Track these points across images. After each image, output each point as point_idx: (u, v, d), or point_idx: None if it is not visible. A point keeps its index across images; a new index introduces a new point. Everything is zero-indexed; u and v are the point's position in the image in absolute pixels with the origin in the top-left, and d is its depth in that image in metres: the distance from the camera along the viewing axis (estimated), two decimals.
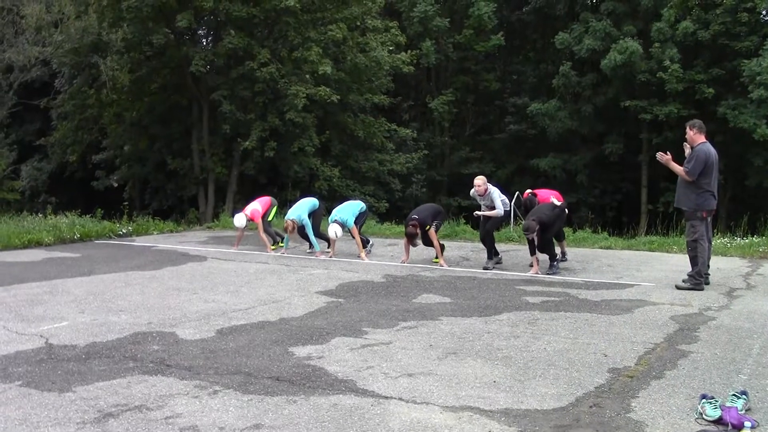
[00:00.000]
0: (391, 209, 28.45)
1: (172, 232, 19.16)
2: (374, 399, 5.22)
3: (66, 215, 19.26)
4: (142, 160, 30.26)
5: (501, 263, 12.36)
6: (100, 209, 20.85)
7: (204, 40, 29.92)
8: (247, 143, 25.27)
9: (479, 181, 12.30)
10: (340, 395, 5.31)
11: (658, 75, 29.18)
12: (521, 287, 10.05)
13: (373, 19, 29.46)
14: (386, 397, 5.25)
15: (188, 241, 16.63)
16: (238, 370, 6.00)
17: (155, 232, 18.67)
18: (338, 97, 25.96)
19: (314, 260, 12.92)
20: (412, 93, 37.99)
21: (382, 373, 5.84)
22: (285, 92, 25.07)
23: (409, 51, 30.49)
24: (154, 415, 4.98)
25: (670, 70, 28.70)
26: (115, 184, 32.25)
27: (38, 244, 15.78)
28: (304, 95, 24.72)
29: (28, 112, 32.57)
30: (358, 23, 28.49)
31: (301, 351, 6.56)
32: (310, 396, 5.30)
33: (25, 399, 5.40)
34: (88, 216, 20.00)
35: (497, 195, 12.24)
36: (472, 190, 12.48)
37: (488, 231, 12.29)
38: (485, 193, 12.22)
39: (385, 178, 29.92)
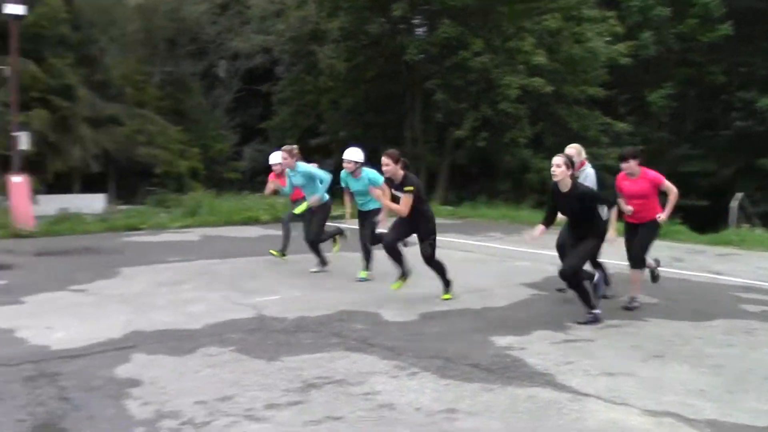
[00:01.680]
0: None
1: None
2: (572, 395, 5.15)
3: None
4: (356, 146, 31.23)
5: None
6: None
7: (419, 29, 30.39)
8: (460, 132, 25.47)
9: (572, 151, 8.60)
10: (538, 388, 5.29)
11: None
12: (737, 294, 9.49)
13: (590, 9, 28.74)
14: (584, 395, 5.17)
15: None
16: (438, 354, 6.11)
17: None
18: (552, 88, 25.59)
19: (521, 252, 12.82)
20: (628, 85, 36.68)
21: (581, 370, 5.76)
22: (498, 82, 25.04)
23: (626, 42, 29.48)
24: (354, 390, 5.21)
25: None
26: (331, 169, 33.56)
27: (256, 221, 16.73)
28: (517, 86, 24.58)
29: (252, 97, 34.50)
30: (574, 13, 27.90)
31: (501, 341, 6.58)
32: (507, 386, 5.32)
33: (237, 364, 5.84)
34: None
35: (593, 178, 8.84)
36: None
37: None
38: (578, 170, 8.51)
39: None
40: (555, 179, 7.39)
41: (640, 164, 8.31)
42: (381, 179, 9.02)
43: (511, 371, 5.68)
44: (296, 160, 10.34)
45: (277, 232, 15.04)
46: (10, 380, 5.43)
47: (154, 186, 26.37)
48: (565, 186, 7.37)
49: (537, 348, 6.39)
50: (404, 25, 28.65)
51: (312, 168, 10.39)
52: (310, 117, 32.27)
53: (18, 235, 15.09)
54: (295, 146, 10.55)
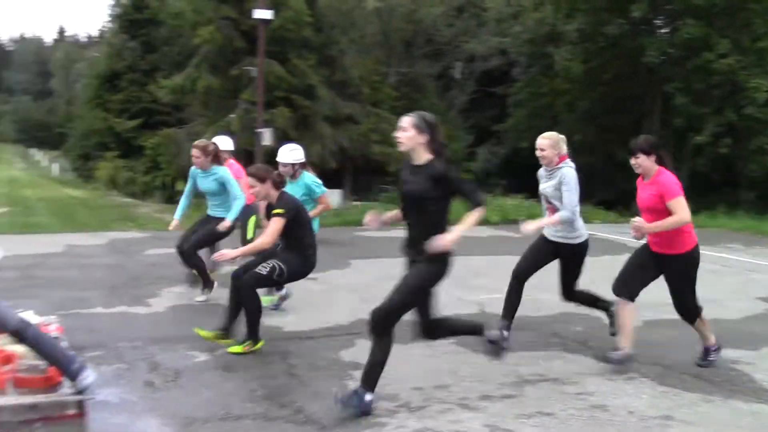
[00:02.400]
0: None
1: (615, 222, 19.25)
2: None
3: (513, 198, 20.35)
4: (591, 149, 30.61)
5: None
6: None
7: (660, 30, 29.32)
8: (700, 138, 24.31)
9: (544, 142, 6.42)
10: (764, 405, 5.04)
11: None
12: None
13: None
14: None
15: (629, 232, 16.54)
16: (658, 361, 5.98)
17: (597, 221, 18.90)
18: None
19: (762, 265, 12.06)
20: None
21: None
22: (745, 85, 23.65)
23: None
24: (567, 389, 5.23)
25: None
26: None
27: (486, 222, 16.91)
28: (766, 89, 23.10)
29: (487, 99, 34.78)
30: None
31: (729, 354, 6.26)
32: (728, 399, 5.12)
33: (457, 356, 6.06)
34: (533, 200, 20.92)
35: (574, 183, 6.36)
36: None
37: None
38: (554, 167, 6.44)
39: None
40: (401, 149, 5.04)
41: (660, 162, 5.66)
42: (321, 190, 7.79)
43: (735, 384, 5.45)
44: (211, 160, 7.92)
45: (506, 233, 15.19)
46: (245, 355, 5.95)
47: (388, 184, 27.27)
48: (419, 158, 5.05)
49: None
50: (644, 26, 27.74)
51: (232, 178, 8.12)
52: (545, 119, 31.95)
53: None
54: (211, 142, 8.22)
